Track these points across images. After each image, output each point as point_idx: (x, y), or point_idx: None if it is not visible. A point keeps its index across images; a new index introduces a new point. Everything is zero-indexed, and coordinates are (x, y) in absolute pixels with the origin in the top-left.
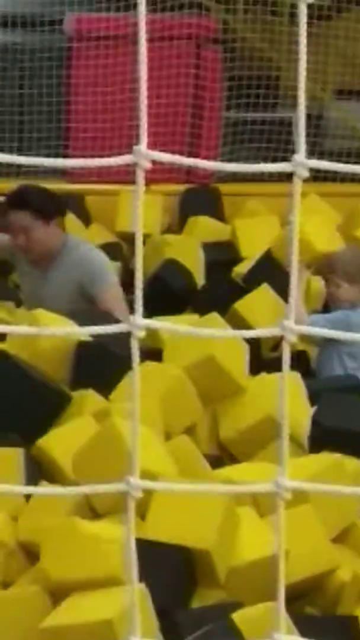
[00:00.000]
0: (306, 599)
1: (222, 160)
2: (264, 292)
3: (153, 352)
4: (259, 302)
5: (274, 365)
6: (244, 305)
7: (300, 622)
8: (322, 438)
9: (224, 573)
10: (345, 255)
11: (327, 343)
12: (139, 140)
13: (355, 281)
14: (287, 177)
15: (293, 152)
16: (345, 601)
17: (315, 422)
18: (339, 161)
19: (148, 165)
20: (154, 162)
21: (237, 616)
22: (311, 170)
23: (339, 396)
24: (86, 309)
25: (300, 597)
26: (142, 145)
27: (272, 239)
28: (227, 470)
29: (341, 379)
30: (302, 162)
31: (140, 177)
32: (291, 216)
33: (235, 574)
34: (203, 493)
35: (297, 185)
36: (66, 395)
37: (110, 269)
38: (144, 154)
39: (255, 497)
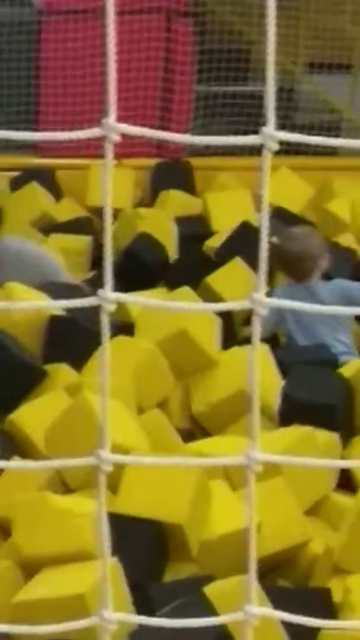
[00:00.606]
0: (279, 572)
1: (194, 134)
2: (236, 266)
3: (125, 327)
4: (230, 275)
5: (247, 339)
6: (215, 279)
7: (273, 594)
8: (292, 411)
9: (196, 546)
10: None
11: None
12: (107, 113)
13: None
14: (259, 150)
15: (264, 125)
16: (317, 573)
17: (285, 395)
18: (310, 134)
19: (117, 138)
20: (124, 136)
21: (209, 589)
22: (282, 143)
23: (308, 368)
24: (59, 283)
25: (272, 570)
26: (111, 119)
27: (243, 212)
28: (199, 444)
29: (311, 350)
30: (270, 134)
31: (109, 150)
32: (261, 189)
33: (207, 547)
34: (175, 466)
35: (267, 158)
36: (41, 371)
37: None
38: (113, 127)
39: (227, 470)
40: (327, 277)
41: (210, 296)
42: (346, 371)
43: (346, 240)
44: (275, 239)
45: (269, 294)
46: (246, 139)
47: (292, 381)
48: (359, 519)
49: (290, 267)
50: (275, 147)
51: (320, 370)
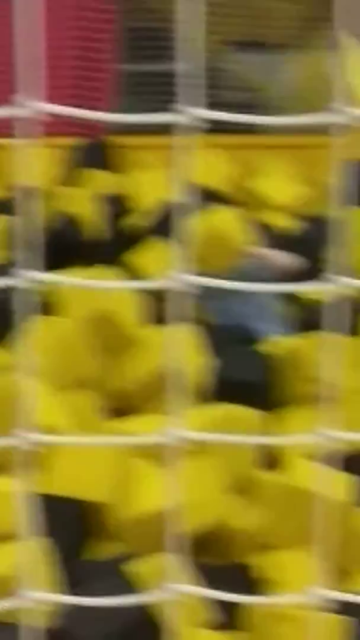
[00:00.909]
0: (202, 549)
1: (116, 113)
2: (157, 244)
3: (47, 306)
4: (152, 254)
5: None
6: (137, 258)
7: (197, 571)
8: (217, 389)
9: (119, 525)
10: None
11: None
12: (26, 92)
13: None
14: (180, 128)
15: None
16: (241, 551)
17: (210, 373)
18: (230, 112)
19: (35, 117)
20: (46, 114)
21: (132, 567)
22: (205, 121)
23: (232, 347)
24: None
25: (197, 547)
26: (31, 97)
27: (165, 190)
28: (123, 423)
29: (235, 329)
30: (186, 111)
31: (25, 129)
32: (179, 167)
33: (131, 525)
34: (98, 446)
35: (183, 135)
36: None
37: None
38: (35, 107)
39: (151, 449)
40: None
41: (132, 274)
42: (269, 348)
43: (268, 217)
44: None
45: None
46: (163, 116)
47: (216, 359)
48: (282, 495)
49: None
50: (191, 124)
51: (244, 348)
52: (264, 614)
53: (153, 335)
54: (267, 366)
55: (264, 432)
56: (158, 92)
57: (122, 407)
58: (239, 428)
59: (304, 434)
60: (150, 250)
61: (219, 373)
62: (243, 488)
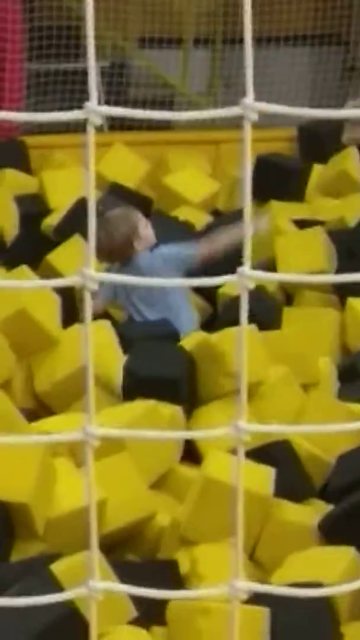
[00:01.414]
0: (126, 546)
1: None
2: (76, 243)
3: None
4: (70, 253)
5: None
6: (55, 257)
7: (120, 568)
8: (135, 386)
9: (42, 525)
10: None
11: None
12: None
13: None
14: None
15: (99, 102)
16: (164, 546)
17: (127, 370)
18: (144, 109)
19: None
20: None
21: (56, 567)
22: (115, 118)
23: (150, 343)
24: None
25: (120, 545)
26: None
27: (80, 189)
28: (42, 423)
29: (153, 325)
30: (93, 109)
31: None
32: (88, 165)
33: (54, 525)
34: (18, 446)
35: (91, 134)
36: None
37: None
38: None
39: (71, 448)
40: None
41: (52, 274)
42: (187, 344)
43: (183, 213)
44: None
45: (107, 270)
46: (70, 114)
47: (134, 356)
48: (203, 490)
49: (104, 255)
50: (98, 122)
51: (162, 344)
52: (185, 608)
53: (72, 334)
54: (187, 362)
55: (185, 428)
56: (68, 90)
57: (42, 407)
58: (158, 423)
59: (222, 428)
60: (69, 249)
61: (138, 370)
62: (166, 484)
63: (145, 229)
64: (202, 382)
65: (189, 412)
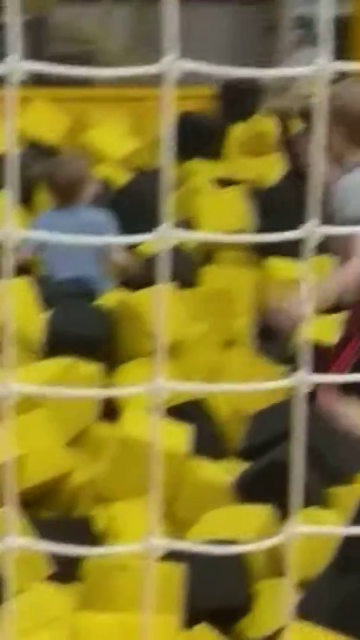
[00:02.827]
0: (43, 503)
1: None
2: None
3: None
4: None
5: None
6: None
7: (37, 525)
8: (56, 344)
9: None
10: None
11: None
12: None
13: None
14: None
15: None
16: (81, 503)
17: (49, 327)
18: (65, 65)
19: None
20: None
21: None
22: (36, 75)
23: (72, 301)
24: None
25: (36, 502)
26: None
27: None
28: None
29: (71, 283)
30: (14, 64)
31: None
32: (8, 120)
33: None
34: None
35: (11, 89)
36: None
37: None
38: None
39: None
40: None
41: None
42: (107, 301)
43: (104, 170)
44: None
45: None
46: None
47: (56, 314)
48: (120, 447)
49: (58, 191)
50: (19, 77)
51: (84, 302)
52: (101, 565)
53: None
54: (108, 321)
55: (103, 386)
56: None
57: None
58: (77, 381)
59: (140, 386)
60: None
61: (60, 327)
62: (83, 442)
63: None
64: (123, 342)
65: (109, 371)
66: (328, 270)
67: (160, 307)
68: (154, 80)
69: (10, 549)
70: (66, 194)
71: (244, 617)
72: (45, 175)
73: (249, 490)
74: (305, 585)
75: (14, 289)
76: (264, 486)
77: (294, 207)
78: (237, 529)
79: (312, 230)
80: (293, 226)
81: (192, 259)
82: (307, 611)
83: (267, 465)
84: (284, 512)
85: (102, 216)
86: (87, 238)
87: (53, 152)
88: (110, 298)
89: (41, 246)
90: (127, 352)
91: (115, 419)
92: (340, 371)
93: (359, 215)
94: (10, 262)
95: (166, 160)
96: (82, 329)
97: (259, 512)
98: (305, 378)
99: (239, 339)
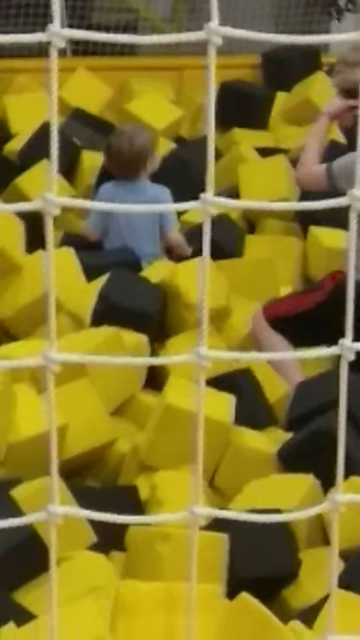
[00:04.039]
0: (86, 473)
1: None
2: (44, 167)
3: None
4: (39, 177)
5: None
6: (24, 181)
7: (81, 494)
8: (107, 315)
9: (2, 450)
10: None
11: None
12: None
13: None
14: (59, 52)
15: (62, 26)
16: (125, 472)
17: (101, 299)
18: (107, 34)
19: None
20: None
21: (17, 492)
22: (79, 43)
23: (123, 273)
24: None
25: (80, 471)
26: None
27: (43, 113)
28: (4, 348)
29: (116, 253)
30: (56, 31)
31: None
32: (50, 89)
33: (14, 450)
34: None
35: (53, 56)
36: None
37: None
38: None
39: (33, 374)
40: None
41: (19, 199)
42: (151, 273)
43: None
44: (76, 140)
45: (94, 195)
46: (32, 36)
47: (108, 285)
48: (164, 416)
49: (120, 164)
50: (61, 44)
51: (136, 276)
52: (144, 534)
53: (36, 260)
54: (159, 297)
55: (148, 356)
56: (31, 14)
57: (6, 333)
58: (121, 351)
59: (183, 355)
60: (37, 174)
61: (112, 298)
62: (127, 411)
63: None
64: (170, 316)
65: (157, 344)
66: None
67: (203, 278)
68: (197, 49)
69: (54, 517)
70: (132, 167)
71: (288, 587)
72: (114, 146)
73: (293, 459)
74: (350, 555)
75: (57, 259)
76: (307, 456)
77: None
78: (281, 498)
79: (356, 197)
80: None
81: (236, 228)
82: (351, 580)
83: (310, 434)
84: (327, 481)
85: (167, 194)
86: (131, 206)
87: (96, 122)
88: (155, 270)
89: (107, 221)
90: (174, 326)
91: (160, 389)
92: (285, 310)
93: None
94: (51, 230)
95: (209, 129)
96: (136, 304)
97: (303, 482)
98: (349, 346)
99: None
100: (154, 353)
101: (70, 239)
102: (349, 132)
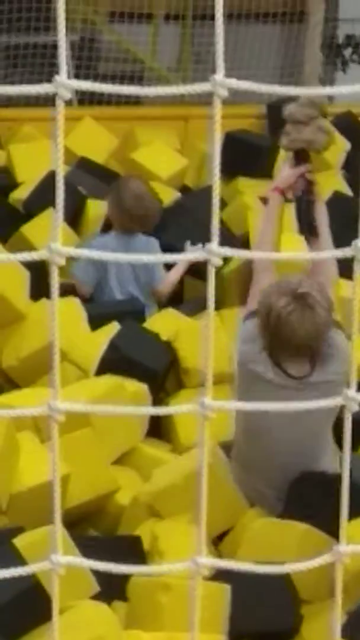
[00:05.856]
0: (88, 522)
1: None
2: (50, 216)
3: None
4: (44, 226)
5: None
6: (29, 230)
7: (83, 543)
8: (113, 365)
9: (5, 499)
10: None
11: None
12: None
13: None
14: (65, 102)
15: (68, 76)
16: (125, 522)
17: (111, 348)
18: (113, 84)
19: None
20: None
21: (19, 541)
22: (85, 93)
23: (138, 327)
24: None
25: (83, 520)
26: None
27: (48, 162)
28: (7, 397)
29: (120, 304)
30: (63, 82)
31: None
32: (56, 139)
33: (17, 499)
34: None
35: (60, 107)
36: None
37: None
38: None
39: (36, 422)
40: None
41: (25, 247)
42: (152, 325)
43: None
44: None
45: (89, 244)
46: (39, 87)
47: (122, 335)
48: (165, 468)
49: (133, 220)
50: (67, 96)
51: (149, 331)
52: (146, 584)
53: (40, 309)
54: (167, 354)
55: (149, 406)
56: (38, 64)
57: (9, 382)
58: (125, 401)
59: (187, 405)
60: (43, 222)
61: (122, 350)
62: (130, 460)
63: None
64: (174, 374)
65: (159, 397)
66: None
67: (209, 329)
68: (203, 99)
69: (57, 566)
70: (141, 224)
71: None
72: (126, 204)
73: (291, 507)
74: (352, 608)
75: (62, 308)
76: (306, 502)
77: (345, 224)
78: (280, 546)
79: None
80: (344, 244)
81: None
82: (354, 632)
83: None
84: (325, 528)
85: (157, 246)
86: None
87: (101, 171)
88: (156, 321)
89: (103, 273)
90: (177, 383)
91: (161, 437)
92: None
93: None
94: (56, 279)
95: (215, 179)
96: (146, 359)
97: (301, 529)
98: (352, 395)
99: None
100: (156, 405)
101: (62, 287)
102: (300, 201)
